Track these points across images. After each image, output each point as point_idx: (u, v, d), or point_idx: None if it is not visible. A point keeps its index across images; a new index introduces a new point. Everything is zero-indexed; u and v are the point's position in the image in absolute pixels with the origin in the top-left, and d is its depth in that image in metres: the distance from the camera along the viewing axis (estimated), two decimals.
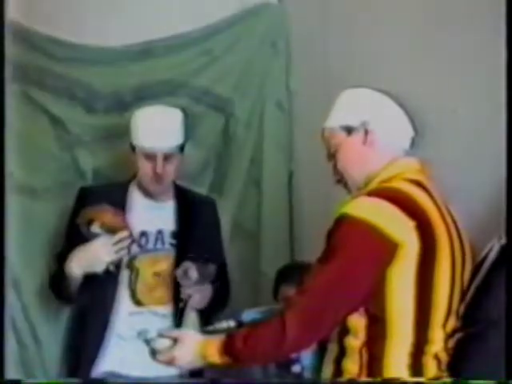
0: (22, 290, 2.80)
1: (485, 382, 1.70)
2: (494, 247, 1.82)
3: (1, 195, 1.92)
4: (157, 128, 2.53)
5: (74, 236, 2.50)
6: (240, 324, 2.10)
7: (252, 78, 3.22)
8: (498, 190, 1.94)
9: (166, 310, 2.54)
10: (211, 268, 2.50)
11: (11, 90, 2.51)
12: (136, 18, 3.01)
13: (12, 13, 2.30)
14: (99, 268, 2.40)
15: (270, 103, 3.25)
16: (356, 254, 1.77)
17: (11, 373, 2.49)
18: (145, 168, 2.53)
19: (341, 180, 2.00)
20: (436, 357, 1.80)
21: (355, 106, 1.98)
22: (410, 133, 1.97)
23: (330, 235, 1.83)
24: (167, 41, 3.08)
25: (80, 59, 2.95)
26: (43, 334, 2.84)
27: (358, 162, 1.94)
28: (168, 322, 2.52)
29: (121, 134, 2.99)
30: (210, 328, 2.17)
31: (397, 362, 1.77)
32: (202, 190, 3.07)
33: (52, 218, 2.85)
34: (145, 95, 3.03)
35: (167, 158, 2.52)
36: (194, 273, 2.44)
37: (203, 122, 3.10)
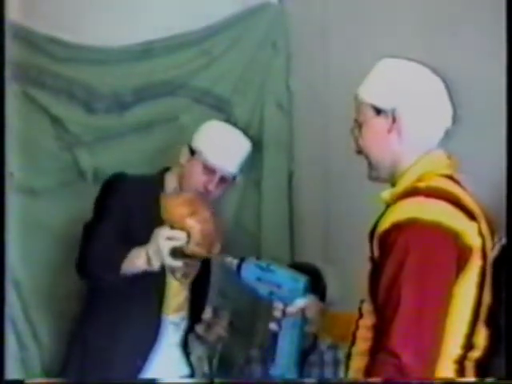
0: (21, 290, 2.79)
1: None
2: (494, 247, 1.81)
3: (1, 195, 1.92)
4: (227, 148, 2.48)
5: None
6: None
7: (252, 78, 3.22)
8: (498, 189, 1.94)
9: (178, 317, 2.53)
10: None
11: (11, 90, 2.51)
12: (136, 17, 3.01)
13: (12, 13, 2.30)
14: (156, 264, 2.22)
15: (270, 103, 3.24)
16: (437, 258, 1.62)
17: (11, 373, 2.49)
18: (198, 177, 2.46)
19: (361, 152, 1.83)
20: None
21: (391, 85, 1.77)
22: (448, 121, 1.80)
23: (394, 244, 1.62)
24: (167, 41, 3.08)
25: (80, 59, 2.95)
26: (43, 334, 2.84)
27: (381, 146, 1.77)
28: (180, 330, 2.53)
29: (121, 134, 3.00)
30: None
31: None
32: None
33: (52, 218, 2.85)
34: (145, 95, 3.04)
35: (222, 179, 2.49)
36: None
37: (203, 122, 3.10)
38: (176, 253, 2.19)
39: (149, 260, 2.21)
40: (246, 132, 2.60)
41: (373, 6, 2.86)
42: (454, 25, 2.49)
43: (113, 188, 2.45)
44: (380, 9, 2.83)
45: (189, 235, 2.18)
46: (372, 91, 1.79)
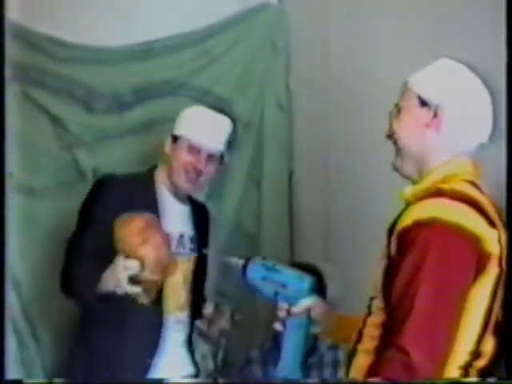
0: (22, 290, 2.80)
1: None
2: None
3: (1, 195, 1.92)
4: (208, 126, 2.48)
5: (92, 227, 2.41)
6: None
7: (252, 78, 3.23)
8: (498, 190, 1.94)
9: (183, 316, 2.52)
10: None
11: (11, 89, 2.51)
12: (136, 17, 3.02)
13: (12, 13, 2.30)
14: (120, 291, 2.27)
15: (270, 103, 3.25)
16: (457, 260, 1.61)
17: (11, 373, 2.49)
18: (185, 158, 2.46)
19: (391, 137, 1.82)
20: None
21: (443, 83, 1.78)
22: (484, 137, 1.80)
23: (414, 241, 1.61)
24: (167, 41, 3.09)
25: (80, 59, 2.95)
26: (43, 334, 2.84)
27: (415, 137, 1.78)
28: (186, 329, 2.52)
29: (121, 134, 3.01)
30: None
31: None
32: (202, 189, 3.07)
33: (52, 218, 2.85)
34: (145, 95, 3.04)
35: (209, 158, 2.48)
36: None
37: None
38: (133, 280, 2.23)
39: (117, 284, 2.25)
40: (226, 113, 2.58)
41: (373, 7, 2.86)
42: (454, 25, 2.49)
43: (99, 193, 2.46)
44: (380, 9, 2.83)
45: (142, 263, 2.22)
46: (423, 82, 1.79)
